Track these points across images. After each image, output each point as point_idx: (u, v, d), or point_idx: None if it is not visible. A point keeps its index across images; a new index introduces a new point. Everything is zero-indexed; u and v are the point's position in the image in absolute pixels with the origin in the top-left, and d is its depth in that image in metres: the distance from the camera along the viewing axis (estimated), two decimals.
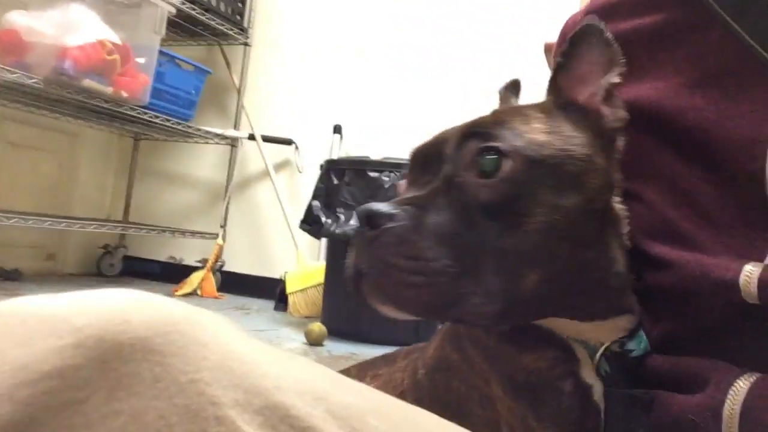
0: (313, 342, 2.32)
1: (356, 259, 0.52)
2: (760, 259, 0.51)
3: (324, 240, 2.92)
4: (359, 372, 0.75)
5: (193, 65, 3.32)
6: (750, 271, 0.49)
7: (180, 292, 3.20)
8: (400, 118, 3.23)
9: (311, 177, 3.22)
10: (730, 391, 0.50)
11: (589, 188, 0.54)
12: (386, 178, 2.43)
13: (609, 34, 0.57)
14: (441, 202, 0.52)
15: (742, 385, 0.50)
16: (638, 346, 0.56)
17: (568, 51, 0.58)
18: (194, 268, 3.36)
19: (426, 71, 3.22)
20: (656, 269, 0.57)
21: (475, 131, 0.54)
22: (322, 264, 2.88)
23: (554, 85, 0.60)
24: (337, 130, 3.32)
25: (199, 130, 3.38)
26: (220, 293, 3.30)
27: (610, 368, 0.55)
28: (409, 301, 0.50)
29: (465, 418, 0.56)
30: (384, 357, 0.76)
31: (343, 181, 2.52)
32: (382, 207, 0.51)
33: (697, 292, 0.53)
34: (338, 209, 2.50)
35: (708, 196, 0.56)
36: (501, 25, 3.11)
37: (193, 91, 3.34)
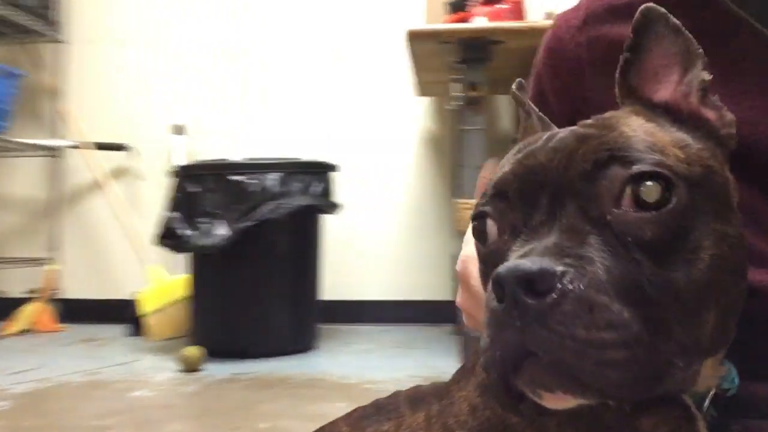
0: (191, 368, 2.12)
1: (514, 340, 0.40)
2: None
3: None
4: (353, 429, 0.65)
5: None
6: None
7: (10, 331, 2.76)
8: (250, 115, 3.06)
9: (156, 185, 2.94)
10: None
11: (735, 207, 0.47)
12: (252, 181, 2.27)
13: (675, 20, 0.50)
14: (596, 246, 0.41)
15: None
16: (732, 383, 0.51)
17: (635, 43, 0.51)
18: (22, 301, 2.92)
19: (275, 65, 3.08)
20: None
21: (614, 155, 0.43)
22: (180, 277, 2.64)
23: (626, 86, 0.51)
24: (180, 131, 3.05)
25: (12, 142, 2.93)
26: (60, 325, 2.91)
27: (716, 411, 0.50)
28: (613, 383, 0.39)
29: None
30: (378, 408, 0.66)
31: (203, 187, 2.32)
32: (540, 265, 0.39)
33: None
34: (199, 219, 2.30)
35: None
36: (356, 16, 3.05)
37: (4, 99, 2.87)
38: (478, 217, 0.49)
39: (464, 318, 0.58)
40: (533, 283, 0.38)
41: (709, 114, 0.49)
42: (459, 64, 2.15)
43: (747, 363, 0.51)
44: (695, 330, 0.42)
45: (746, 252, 0.47)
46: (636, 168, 0.42)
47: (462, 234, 2.29)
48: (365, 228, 2.98)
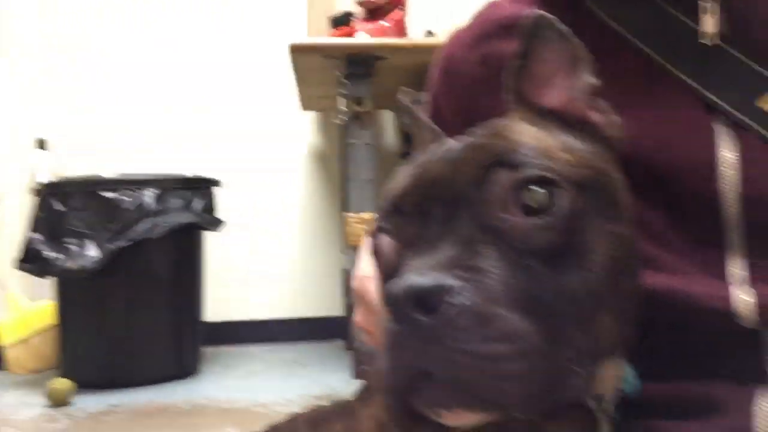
0: (59, 402, 1.94)
1: (409, 360, 0.38)
2: (720, 276, 0.53)
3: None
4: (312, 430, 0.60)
5: None
6: (746, 300, 0.50)
7: None
8: (122, 128, 2.87)
9: (17, 204, 2.68)
10: (758, 413, 0.50)
11: (627, 210, 0.47)
12: (126, 198, 2.13)
13: (563, 26, 0.51)
14: (489, 256, 0.40)
15: (765, 401, 0.50)
16: (632, 387, 0.52)
17: (524, 50, 0.51)
18: None
19: (151, 73, 2.92)
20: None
21: (501, 160, 0.43)
22: (45, 304, 2.42)
23: (516, 92, 0.52)
24: (42, 145, 2.81)
25: None
26: None
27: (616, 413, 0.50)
28: (512, 396, 0.38)
29: None
30: (275, 430, 0.63)
31: (71, 206, 2.14)
32: (432, 280, 0.37)
33: (686, 320, 0.53)
34: (67, 239, 2.12)
35: (656, 218, 0.56)
36: (238, 27, 2.96)
37: None
38: (375, 234, 0.48)
39: (364, 336, 0.56)
40: (425, 299, 0.37)
41: (597, 117, 0.50)
42: (344, 79, 2.15)
43: (642, 365, 0.53)
44: (592, 334, 0.42)
45: (636, 250, 0.48)
46: (522, 173, 0.42)
47: (353, 248, 2.28)
48: (250, 245, 2.88)
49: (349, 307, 2.50)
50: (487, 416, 0.41)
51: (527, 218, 0.41)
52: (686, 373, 0.54)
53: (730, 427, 0.51)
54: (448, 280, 0.38)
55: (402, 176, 0.48)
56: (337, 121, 2.20)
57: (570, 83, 0.51)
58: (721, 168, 0.54)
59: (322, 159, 2.98)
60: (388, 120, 2.98)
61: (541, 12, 0.51)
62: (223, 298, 2.78)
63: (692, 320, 0.53)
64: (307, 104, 2.74)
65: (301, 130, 2.96)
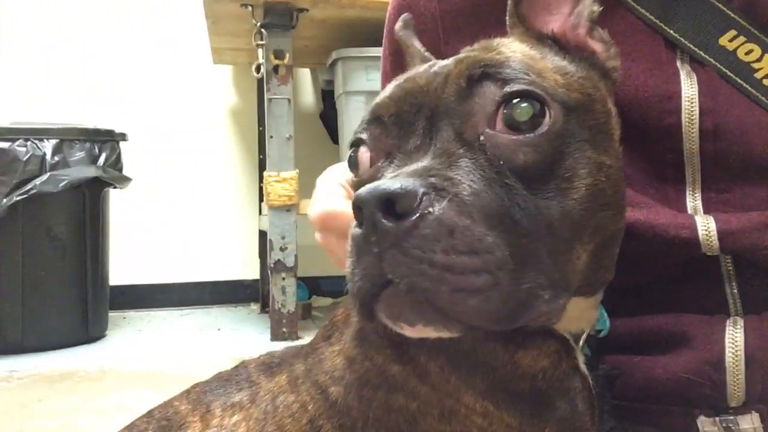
0: None
1: (372, 266, 0.37)
2: (681, 210, 0.55)
3: None
4: (196, 406, 0.55)
5: None
6: (707, 227, 0.52)
7: None
8: (19, 74, 2.61)
9: None
10: (728, 341, 0.52)
11: (616, 140, 0.47)
12: (21, 149, 1.95)
13: None
14: (466, 168, 0.39)
15: (737, 333, 0.52)
16: (604, 324, 0.53)
17: None
18: None
19: (52, 17, 2.66)
20: None
21: (488, 72, 0.41)
22: None
23: (517, 16, 0.50)
24: None
25: None
26: None
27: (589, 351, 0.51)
28: (473, 311, 0.36)
29: None
30: (224, 380, 0.57)
31: None
32: (401, 184, 0.36)
33: (651, 252, 0.54)
34: None
35: (623, 158, 0.55)
36: None
37: None
38: (354, 145, 0.47)
39: (331, 260, 0.53)
40: (393, 204, 0.36)
41: (596, 46, 0.50)
42: (263, 29, 2.06)
43: (610, 301, 0.54)
44: (566, 265, 0.42)
45: (624, 187, 0.48)
46: (509, 87, 0.41)
47: (273, 208, 2.21)
48: (159, 204, 2.73)
49: (265, 269, 2.44)
50: (447, 332, 0.39)
51: (511, 134, 0.40)
52: (654, 307, 0.56)
53: (701, 358, 0.53)
54: (419, 188, 0.36)
55: (389, 87, 0.47)
56: (257, 76, 2.10)
57: (572, 10, 0.50)
58: (683, 102, 0.55)
59: (237, 115, 2.85)
60: (305, 78, 2.90)
61: None
62: (131, 260, 2.63)
63: (658, 250, 0.54)
64: (219, 57, 2.61)
65: (215, 85, 2.81)
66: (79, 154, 2.05)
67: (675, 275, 0.56)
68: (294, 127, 2.12)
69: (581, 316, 0.49)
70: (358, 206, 0.37)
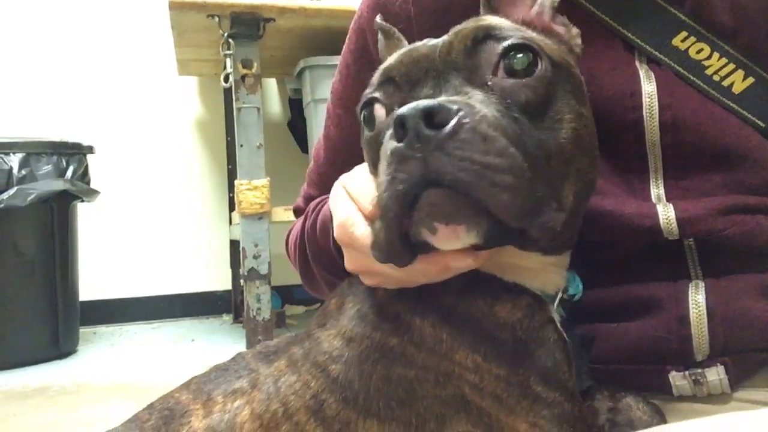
0: None
1: (416, 170, 0.41)
2: (646, 198, 0.60)
3: None
4: (197, 396, 0.57)
5: None
6: (667, 216, 0.57)
7: None
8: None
9: None
10: (690, 299, 0.57)
11: (587, 102, 0.53)
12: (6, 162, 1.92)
13: None
14: (478, 97, 0.45)
15: (698, 293, 0.57)
16: (577, 289, 0.57)
17: None
18: None
19: (21, 30, 2.63)
20: None
21: (490, 33, 0.48)
22: None
23: (488, 7, 0.56)
24: None
25: None
26: None
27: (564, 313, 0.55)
28: (506, 205, 0.42)
29: (419, 402, 0.49)
30: (222, 370, 0.59)
31: None
32: (438, 101, 0.42)
33: (619, 237, 0.59)
34: None
35: None
36: None
37: None
38: (367, 104, 0.52)
39: (362, 279, 0.55)
40: (432, 116, 0.41)
41: (560, 29, 0.56)
42: (230, 39, 2.07)
43: (584, 275, 0.59)
44: (559, 192, 0.48)
45: (596, 138, 0.53)
46: (508, 42, 0.48)
47: (245, 216, 2.20)
48: (128, 217, 2.70)
49: (237, 279, 2.43)
50: (474, 237, 0.44)
51: (512, 78, 0.47)
52: (624, 279, 0.61)
53: (668, 317, 0.58)
54: (453, 105, 0.42)
55: (395, 55, 0.52)
56: (225, 86, 2.10)
57: (535, 1, 0.56)
58: (644, 98, 0.60)
59: (204, 126, 2.85)
60: (272, 89, 2.92)
61: None
62: (99, 274, 2.59)
63: (624, 237, 0.59)
64: (184, 69, 2.61)
65: (181, 96, 2.81)
66: (47, 168, 2.02)
67: (643, 253, 0.61)
68: (263, 136, 2.13)
69: (546, 272, 0.54)
70: (401, 121, 0.42)
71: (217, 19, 2.06)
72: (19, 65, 2.60)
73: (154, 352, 2.20)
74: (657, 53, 0.61)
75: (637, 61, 0.62)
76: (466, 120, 0.42)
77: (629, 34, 0.62)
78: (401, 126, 0.42)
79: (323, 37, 2.28)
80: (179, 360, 2.05)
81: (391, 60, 0.52)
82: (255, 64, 2.11)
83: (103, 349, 2.25)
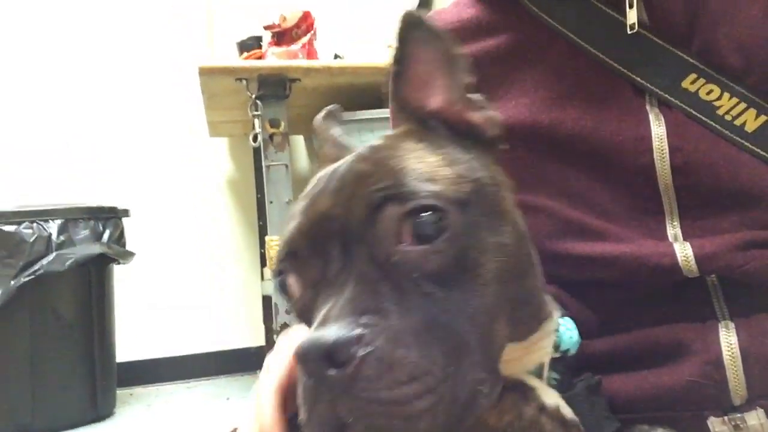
0: None
1: (328, 412, 0.39)
2: (662, 238, 0.59)
3: None
4: None
5: None
6: (685, 253, 0.57)
7: None
8: (23, 156, 2.66)
9: None
10: (722, 341, 0.56)
11: (510, 213, 0.49)
12: (27, 231, 1.98)
13: (433, 24, 0.51)
14: (385, 290, 0.41)
15: (730, 334, 0.56)
16: (571, 342, 0.54)
17: (400, 54, 0.51)
18: None
19: (55, 98, 2.74)
20: (582, 265, 0.60)
21: (388, 195, 0.43)
22: None
23: (398, 99, 0.52)
24: None
25: None
26: None
27: (558, 373, 0.53)
28: (428, 430, 0.39)
29: None
30: None
31: None
32: (337, 333, 0.38)
33: (637, 280, 0.58)
34: None
35: (601, 194, 0.62)
36: (145, 53, 2.85)
37: None
38: (279, 274, 0.49)
39: None
40: (332, 354, 0.38)
41: (475, 117, 0.52)
42: (257, 100, 2.14)
43: (604, 320, 0.58)
44: (493, 345, 0.44)
45: (527, 252, 0.50)
46: (410, 205, 0.43)
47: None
48: (163, 277, 2.74)
49: (271, 335, 2.43)
50: None
51: (419, 246, 0.43)
52: (647, 321, 0.60)
53: (701, 360, 0.56)
54: (353, 331, 0.39)
55: (293, 217, 0.48)
56: (254, 145, 2.16)
57: (447, 83, 0.51)
58: (654, 142, 0.61)
59: (235, 185, 2.91)
60: (300, 144, 2.98)
61: (408, 10, 0.51)
62: (136, 335, 2.62)
63: (643, 277, 0.59)
64: (214, 130, 2.69)
65: (212, 157, 2.89)
66: (84, 232, 2.08)
67: (665, 295, 0.60)
68: (292, 192, 2.17)
69: (526, 353, 0.50)
70: (304, 358, 0.39)
71: (245, 82, 2.13)
72: (56, 133, 2.71)
73: (190, 412, 2.20)
74: (667, 96, 0.62)
75: (648, 104, 0.62)
76: (369, 349, 0.38)
77: (638, 78, 0.62)
78: (304, 363, 0.40)
79: (347, 94, 2.34)
80: (214, 420, 2.04)
81: (292, 225, 0.47)
82: (282, 123, 2.17)
83: (140, 411, 2.25)
